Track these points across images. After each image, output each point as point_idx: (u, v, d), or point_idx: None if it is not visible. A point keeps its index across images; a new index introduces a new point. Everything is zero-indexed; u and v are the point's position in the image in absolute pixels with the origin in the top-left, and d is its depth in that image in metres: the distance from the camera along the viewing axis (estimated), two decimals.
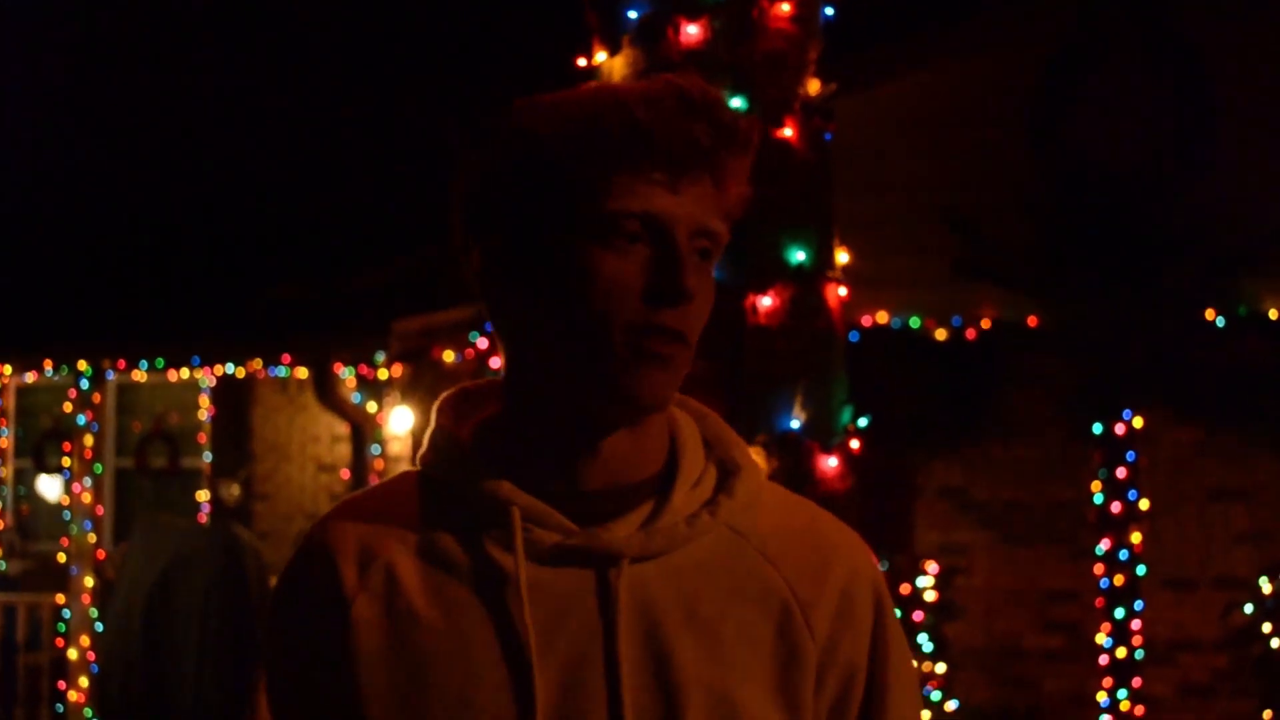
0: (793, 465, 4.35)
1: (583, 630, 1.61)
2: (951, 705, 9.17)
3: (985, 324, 9.88)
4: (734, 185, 1.65)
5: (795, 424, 4.42)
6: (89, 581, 10.91)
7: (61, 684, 10.86)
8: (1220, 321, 9.49)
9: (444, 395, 1.78)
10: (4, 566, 12.80)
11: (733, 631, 1.64)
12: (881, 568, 1.76)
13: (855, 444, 4.62)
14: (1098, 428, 9.35)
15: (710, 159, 1.59)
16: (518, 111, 1.65)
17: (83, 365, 11.12)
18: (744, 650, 1.63)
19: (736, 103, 4.44)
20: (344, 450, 12.32)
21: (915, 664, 1.80)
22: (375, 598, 1.64)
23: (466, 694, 1.60)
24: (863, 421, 4.73)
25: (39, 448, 12.99)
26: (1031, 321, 9.74)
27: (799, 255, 4.48)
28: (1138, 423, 9.34)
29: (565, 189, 1.60)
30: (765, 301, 4.41)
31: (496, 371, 1.81)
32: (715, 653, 1.62)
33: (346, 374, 10.98)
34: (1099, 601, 9.37)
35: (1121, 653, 9.25)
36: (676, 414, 1.74)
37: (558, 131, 1.61)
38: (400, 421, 11.18)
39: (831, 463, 4.48)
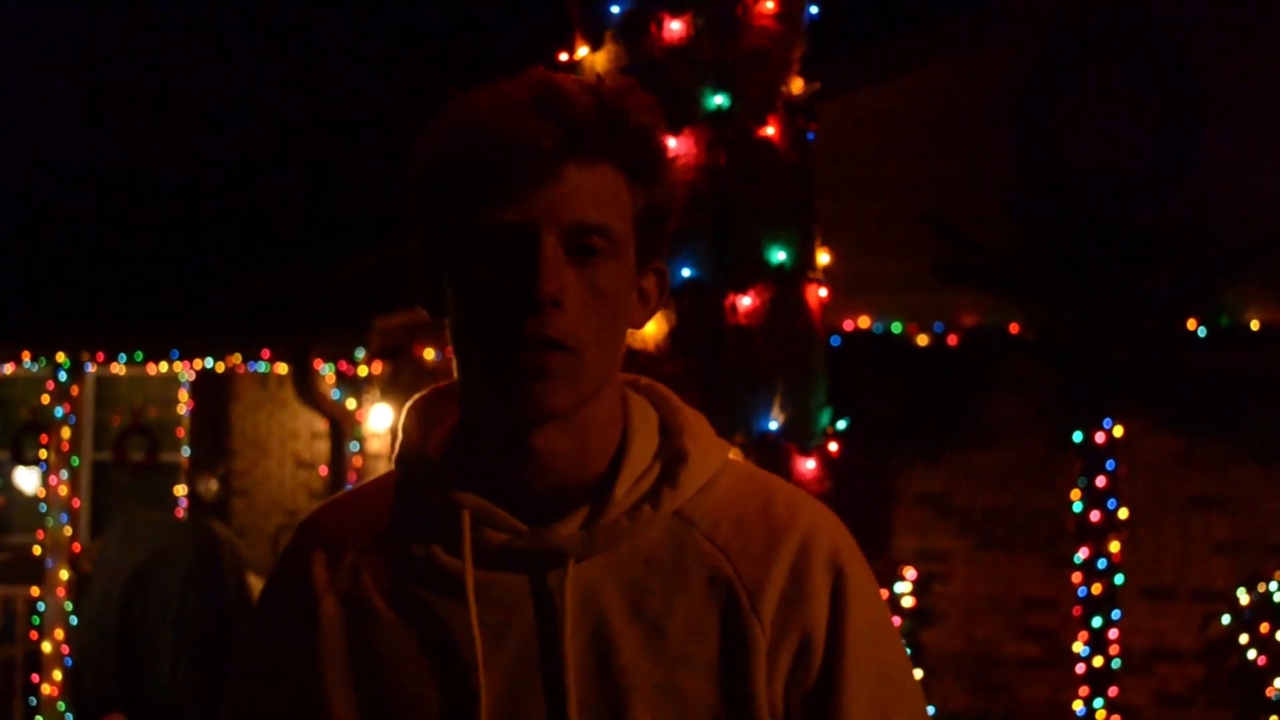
0: (770, 467, 4.31)
1: (529, 630, 1.63)
2: (928, 712, 9.15)
3: (966, 329, 9.87)
4: (644, 175, 1.64)
5: (773, 425, 4.39)
6: (64, 574, 10.86)
7: (35, 677, 10.80)
8: (1202, 331, 9.48)
9: (416, 397, 1.80)
10: None
11: (679, 623, 1.63)
12: None
13: (833, 446, 4.60)
14: (1078, 435, 9.34)
15: (563, 155, 1.58)
16: (427, 126, 1.68)
17: (61, 357, 11.05)
18: (690, 642, 1.63)
19: (718, 100, 4.41)
20: (323, 447, 12.27)
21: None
22: (342, 596, 1.69)
23: (417, 693, 1.63)
24: (841, 424, 4.70)
25: (16, 440, 12.92)
26: (1013, 328, 9.73)
27: (780, 255, 4.45)
28: (1118, 431, 9.33)
29: (439, 206, 1.64)
30: (745, 301, 4.38)
31: None
32: (661, 646, 1.62)
33: (326, 370, 10.94)
34: (1077, 610, 9.36)
35: (1099, 662, 9.24)
36: (635, 400, 1.74)
37: (426, 152, 1.64)
38: (380, 419, 11.14)
39: (809, 465, 4.46)
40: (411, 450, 1.73)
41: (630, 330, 1.71)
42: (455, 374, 1.71)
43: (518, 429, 1.64)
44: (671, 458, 1.70)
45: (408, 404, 1.78)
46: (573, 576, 1.63)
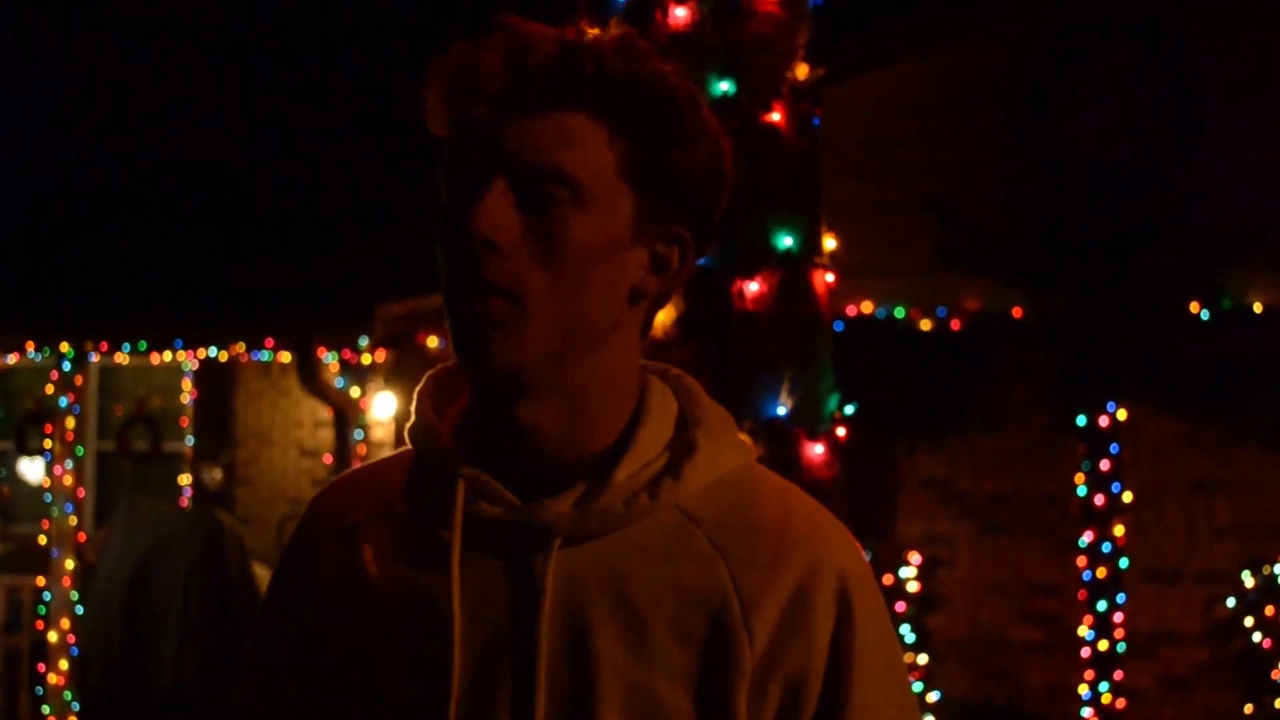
0: (779, 452, 4.32)
1: (508, 607, 1.59)
2: (933, 697, 9.18)
3: (970, 314, 9.86)
4: (642, 134, 1.58)
5: (782, 410, 4.39)
6: (70, 564, 10.86)
7: (41, 666, 10.81)
8: (1205, 314, 9.48)
9: (431, 371, 1.76)
10: None
11: (663, 623, 1.57)
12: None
13: (841, 431, 4.60)
14: (1082, 419, 9.34)
15: (517, 104, 1.55)
16: None
17: (65, 347, 11.05)
18: (672, 644, 1.56)
19: (724, 86, 4.41)
20: (327, 435, 12.28)
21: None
22: (339, 564, 1.68)
23: (396, 664, 1.61)
24: (849, 409, 4.71)
25: (20, 430, 12.93)
26: (1016, 312, 9.72)
27: (787, 241, 4.46)
28: (1121, 415, 9.33)
29: (440, 146, 1.62)
30: (752, 287, 4.38)
31: None
32: (639, 643, 1.56)
33: (330, 358, 10.92)
34: (1081, 594, 9.36)
35: (1103, 645, 9.24)
36: (658, 388, 1.68)
37: (425, 100, 1.62)
38: (384, 407, 11.13)
39: (818, 450, 4.46)
40: (424, 425, 1.70)
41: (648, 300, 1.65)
42: None
43: (492, 394, 1.61)
44: (679, 449, 1.64)
45: (424, 378, 1.75)
46: (557, 557, 1.58)
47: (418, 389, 1.73)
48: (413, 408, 1.72)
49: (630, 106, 1.57)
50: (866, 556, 1.69)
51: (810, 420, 4.45)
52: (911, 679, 1.69)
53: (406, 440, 1.73)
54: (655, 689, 1.55)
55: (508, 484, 1.61)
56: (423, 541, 1.62)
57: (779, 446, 4.29)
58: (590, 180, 1.56)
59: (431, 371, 1.76)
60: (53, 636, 10.77)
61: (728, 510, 1.62)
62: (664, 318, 4.24)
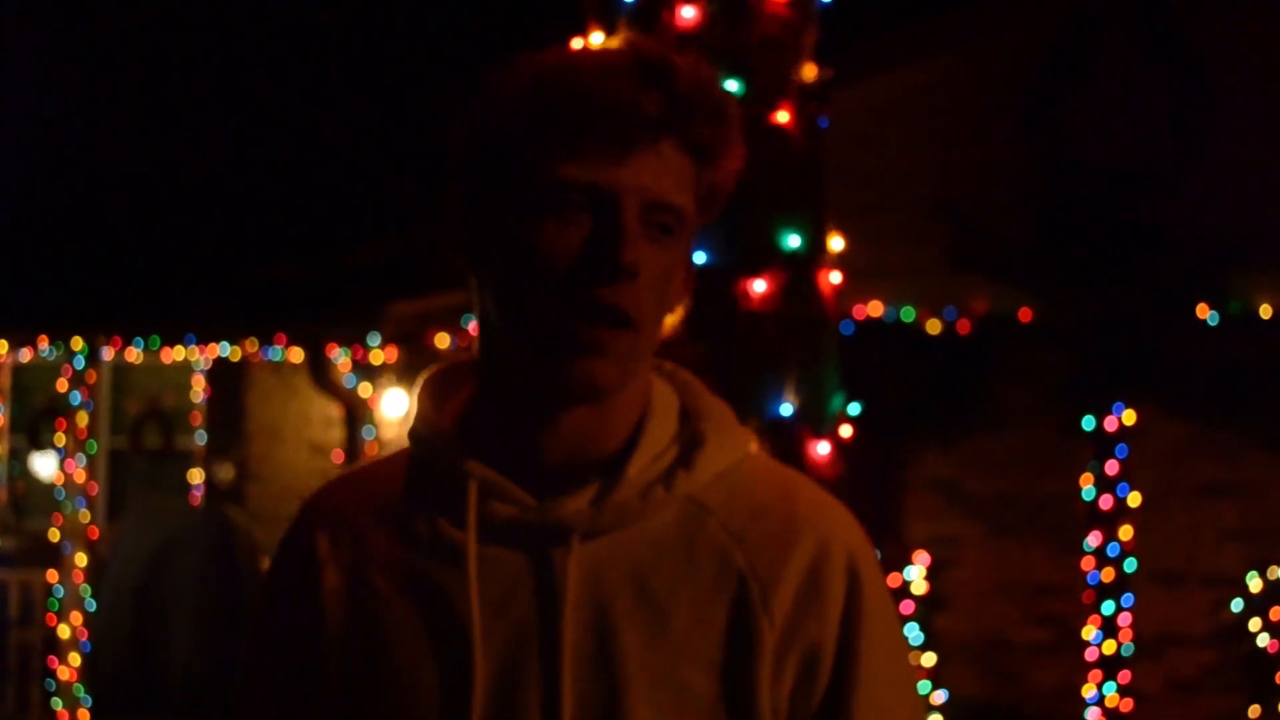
0: (783, 451, 4.33)
1: (530, 607, 1.59)
2: (939, 697, 9.19)
3: (978, 316, 9.87)
4: (715, 159, 1.59)
5: (786, 410, 4.40)
6: (82, 559, 10.90)
7: (53, 661, 10.85)
8: (1213, 318, 9.49)
9: (430, 370, 1.76)
10: None
11: (684, 611, 1.58)
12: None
13: (846, 431, 4.61)
14: (1089, 422, 9.35)
15: (662, 129, 1.54)
16: (488, 77, 1.61)
17: (78, 344, 11.09)
18: (694, 632, 1.58)
19: (732, 86, 4.43)
20: (337, 433, 12.32)
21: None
22: (342, 569, 1.66)
23: (413, 668, 1.60)
24: (854, 409, 4.72)
25: (33, 425, 12.99)
26: (1024, 315, 9.73)
27: (793, 241, 4.46)
28: (1129, 417, 9.34)
29: (512, 157, 1.57)
30: (758, 286, 4.38)
31: None
32: (663, 634, 1.58)
33: (341, 356, 10.96)
34: (1088, 596, 9.37)
35: (1109, 647, 9.26)
36: (658, 384, 1.69)
37: (507, 98, 1.58)
38: (394, 405, 11.18)
39: (822, 449, 4.46)
40: (425, 423, 1.69)
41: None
42: (480, 336, 1.66)
43: (550, 403, 1.59)
44: (689, 441, 1.65)
45: (422, 377, 1.74)
46: (577, 554, 1.58)
47: (418, 390, 1.73)
48: (413, 408, 1.72)
49: (719, 146, 1.59)
50: (877, 555, 1.72)
51: (815, 420, 4.46)
52: (917, 677, 1.71)
53: (407, 440, 1.73)
54: (681, 676, 1.57)
55: (518, 481, 1.61)
56: (435, 543, 1.62)
57: (783, 446, 4.30)
58: (689, 213, 1.59)
59: (429, 373, 1.75)
60: (64, 631, 10.81)
61: (737, 497, 1.64)
62: (670, 317, 4.24)
